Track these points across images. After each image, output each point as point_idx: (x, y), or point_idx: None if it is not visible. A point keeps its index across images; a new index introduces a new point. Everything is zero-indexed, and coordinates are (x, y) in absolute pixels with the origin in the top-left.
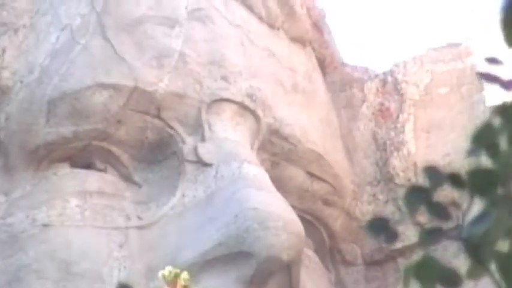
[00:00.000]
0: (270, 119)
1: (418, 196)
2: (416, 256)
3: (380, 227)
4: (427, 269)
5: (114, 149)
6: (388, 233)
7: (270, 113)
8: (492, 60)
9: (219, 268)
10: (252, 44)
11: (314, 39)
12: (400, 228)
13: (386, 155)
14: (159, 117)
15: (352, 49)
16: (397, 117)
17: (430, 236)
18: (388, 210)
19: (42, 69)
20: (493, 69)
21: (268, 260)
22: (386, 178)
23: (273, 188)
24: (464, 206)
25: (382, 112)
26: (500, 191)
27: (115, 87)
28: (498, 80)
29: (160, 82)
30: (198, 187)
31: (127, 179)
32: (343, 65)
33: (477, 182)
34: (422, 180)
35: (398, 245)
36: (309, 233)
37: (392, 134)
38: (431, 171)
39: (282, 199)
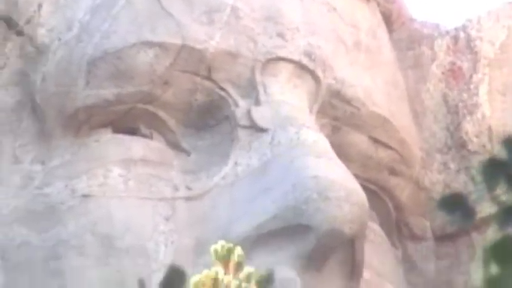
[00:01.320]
0: (330, 80)
1: (496, 170)
2: (493, 231)
3: (454, 203)
4: (507, 251)
5: (161, 113)
6: (464, 210)
7: (330, 73)
8: None
9: (274, 243)
10: None
11: None
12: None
13: (458, 119)
14: (209, 78)
15: (421, 3)
16: (470, 77)
17: (509, 215)
18: (461, 180)
19: (82, 26)
20: None
21: (329, 233)
22: (458, 144)
23: (333, 155)
24: None
25: (454, 72)
26: None
27: (161, 46)
28: None
29: (211, 40)
30: (252, 155)
31: (174, 146)
32: (411, 20)
33: None
34: (498, 147)
35: None
36: (373, 205)
37: (465, 96)
38: (510, 143)
39: (344, 167)
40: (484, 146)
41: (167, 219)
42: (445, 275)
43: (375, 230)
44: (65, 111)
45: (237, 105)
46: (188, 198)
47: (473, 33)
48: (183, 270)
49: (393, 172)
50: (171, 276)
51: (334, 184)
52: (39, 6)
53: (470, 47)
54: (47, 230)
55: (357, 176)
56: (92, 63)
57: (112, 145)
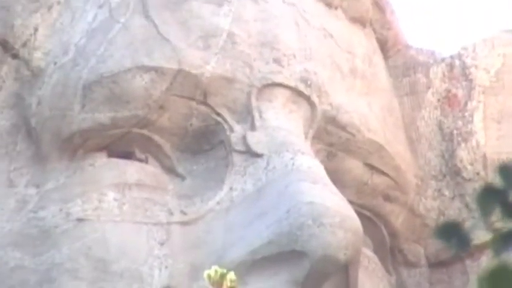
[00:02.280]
0: (326, 106)
1: (491, 197)
2: (487, 258)
3: (450, 231)
4: (503, 282)
5: (156, 137)
6: (459, 238)
7: (326, 99)
8: None
9: (268, 268)
10: (308, 24)
11: (375, 19)
12: (467, 225)
13: (453, 147)
14: (205, 103)
15: (417, 30)
16: (465, 105)
17: (504, 242)
18: (455, 207)
19: (78, 50)
20: None
21: (323, 260)
22: (452, 171)
23: (328, 181)
24: None
25: (449, 99)
26: None
27: (157, 70)
28: None
29: (207, 65)
30: (247, 180)
31: (170, 170)
32: (407, 47)
33: None
34: (492, 175)
35: None
36: (367, 231)
37: (460, 123)
38: (505, 170)
39: (339, 193)
40: (478, 174)
41: (162, 243)
42: None
43: (369, 257)
44: (60, 135)
45: (232, 130)
46: (183, 223)
47: (468, 60)
48: None
49: (388, 198)
50: None
51: (329, 210)
52: (35, 29)
53: (465, 75)
54: (41, 253)
55: (351, 202)
56: (88, 87)
57: (107, 169)
